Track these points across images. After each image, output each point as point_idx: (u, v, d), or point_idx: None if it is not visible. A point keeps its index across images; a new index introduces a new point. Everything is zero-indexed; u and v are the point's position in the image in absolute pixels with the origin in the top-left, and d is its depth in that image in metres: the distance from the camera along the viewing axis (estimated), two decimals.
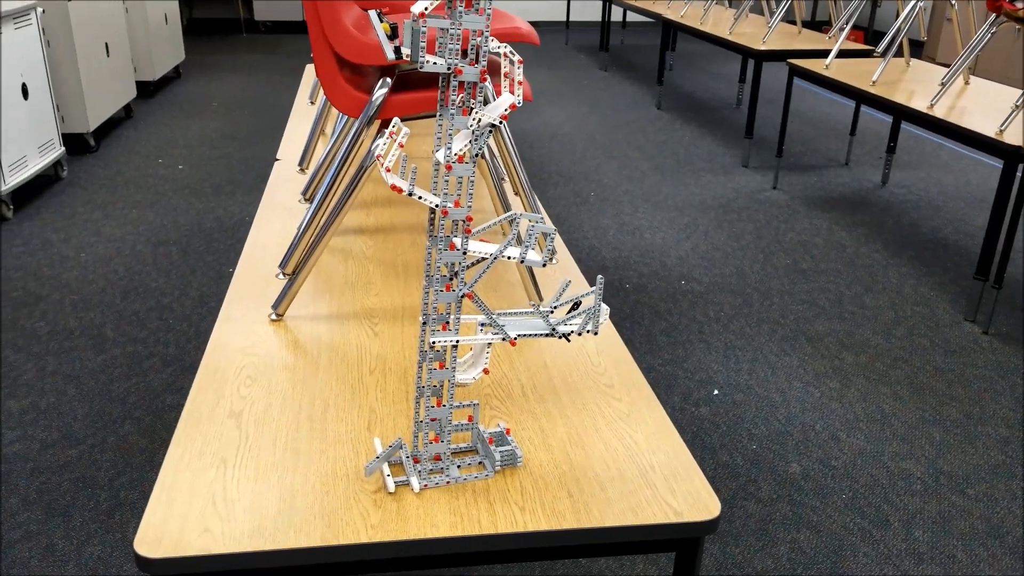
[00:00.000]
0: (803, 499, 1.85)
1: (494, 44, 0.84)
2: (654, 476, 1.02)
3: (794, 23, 4.56)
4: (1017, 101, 2.59)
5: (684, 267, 2.98)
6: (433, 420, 0.96)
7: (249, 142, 4.28)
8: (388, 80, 1.23)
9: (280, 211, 1.80)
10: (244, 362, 1.23)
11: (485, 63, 0.82)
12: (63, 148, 3.60)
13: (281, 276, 1.47)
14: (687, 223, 3.38)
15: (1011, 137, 2.53)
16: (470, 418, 1.02)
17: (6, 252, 2.93)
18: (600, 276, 0.96)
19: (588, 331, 0.96)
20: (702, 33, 4.44)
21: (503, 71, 0.86)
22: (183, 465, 1.01)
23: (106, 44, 4.09)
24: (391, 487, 0.97)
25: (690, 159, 4.22)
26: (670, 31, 5.11)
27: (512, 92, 0.86)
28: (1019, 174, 2.49)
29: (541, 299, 1.43)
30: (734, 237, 3.25)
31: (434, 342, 0.92)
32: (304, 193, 1.82)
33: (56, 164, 3.61)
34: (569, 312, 0.98)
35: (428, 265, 0.92)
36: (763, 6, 4.66)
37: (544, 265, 0.92)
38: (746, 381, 2.29)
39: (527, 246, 0.91)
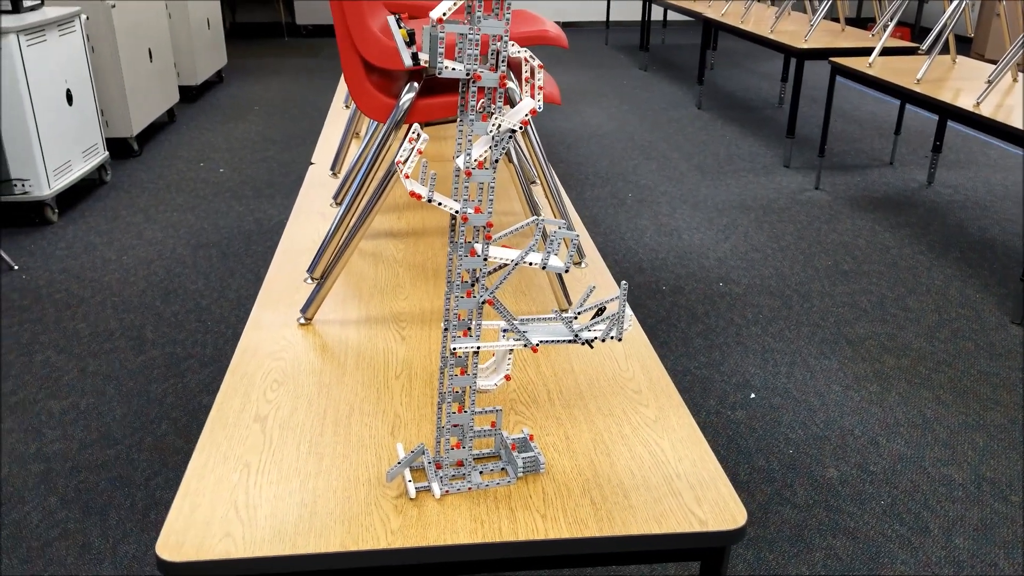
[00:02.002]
0: (840, 505, 1.81)
1: (515, 49, 0.83)
2: (679, 484, 1.00)
3: (837, 20, 4.47)
4: None
5: (723, 269, 2.94)
6: (455, 426, 0.96)
7: (289, 145, 4.33)
8: (415, 84, 1.23)
9: (312, 215, 1.81)
10: (271, 366, 1.24)
11: (505, 68, 0.81)
12: (107, 152, 3.68)
13: (309, 280, 1.48)
14: (726, 224, 3.33)
15: None
16: (493, 424, 1.01)
17: (51, 255, 3.01)
18: (624, 282, 0.94)
19: (612, 337, 0.95)
20: (743, 32, 4.38)
21: (523, 76, 0.85)
22: (207, 470, 1.02)
23: (149, 49, 4.17)
24: (412, 493, 0.97)
25: (730, 159, 4.17)
26: (711, 30, 5.05)
27: (533, 97, 0.85)
28: None
29: (569, 303, 1.41)
30: (774, 238, 3.19)
31: (455, 348, 0.91)
32: (335, 197, 1.84)
33: (100, 168, 3.70)
34: (593, 318, 0.97)
35: (449, 271, 0.92)
36: (805, 4, 4.58)
37: (567, 271, 0.91)
38: (784, 384, 2.25)
39: (549, 251, 0.90)
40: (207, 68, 5.21)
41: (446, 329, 0.95)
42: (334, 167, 2.04)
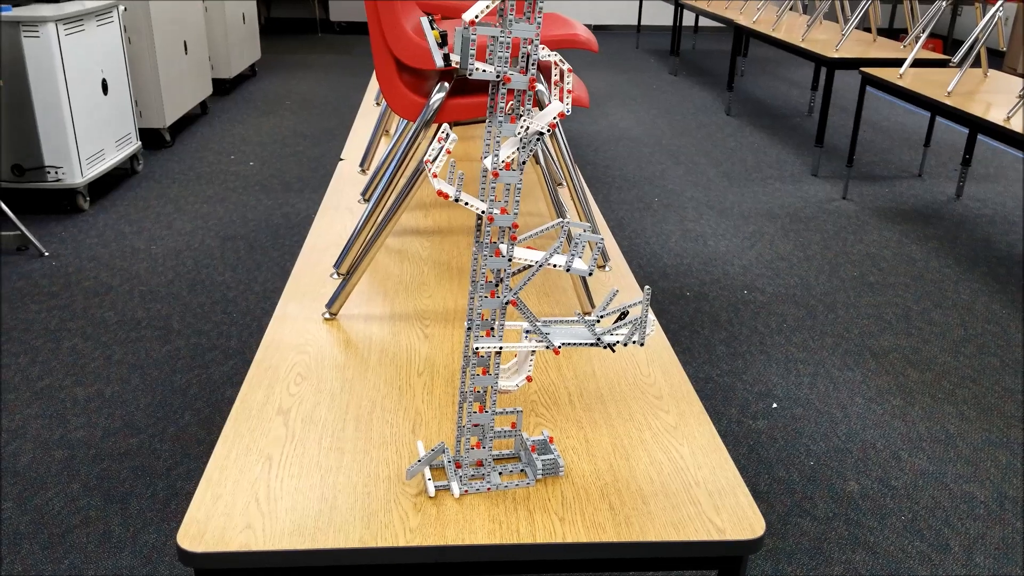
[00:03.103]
0: (860, 519, 1.79)
1: (544, 52, 0.83)
2: (698, 492, 1.00)
3: (869, 30, 4.43)
4: None
5: (747, 276, 2.92)
6: (475, 426, 0.96)
7: (320, 140, 4.37)
8: (446, 84, 1.24)
9: (341, 211, 1.83)
10: (296, 360, 1.25)
11: (535, 71, 0.81)
12: (139, 143, 3.73)
13: (336, 276, 1.49)
14: (752, 231, 3.31)
15: None
16: (513, 425, 1.02)
17: (81, 243, 3.05)
18: (647, 287, 0.94)
19: (634, 342, 0.95)
20: (774, 39, 4.35)
21: (553, 79, 0.86)
22: (229, 461, 1.03)
23: (184, 42, 4.22)
24: (432, 491, 0.97)
25: (758, 166, 4.14)
26: (742, 36, 5.02)
27: (561, 100, 0.85)
28: None
29: (593, 306, 1.41)
30: (800, 247, 3.17)
31: (477, 348, 0.92)
32: (363, 194, 1.85)
33: (132, 158, 3.75)
34: (616, 322, 0.97)
35: (473, 271, 0.92)
36: (837, 13, 4.54)
37: (590, 274, 0.91)
38: (806, 395, 2.23)
39: (574, 254, 0.91)
40: (241, 62, 5.26)
41: (469, 328, 0.95)
42: (363, 164, 2.05)
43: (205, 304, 2.62)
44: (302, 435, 1.08)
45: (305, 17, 7.90)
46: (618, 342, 0.94)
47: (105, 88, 3.40)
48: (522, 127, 0.83)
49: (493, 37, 0.79)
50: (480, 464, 0.99)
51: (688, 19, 8.46)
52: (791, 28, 4.59)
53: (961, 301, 2.77)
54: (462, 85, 1.29)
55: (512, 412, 1.00)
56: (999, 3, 3.15)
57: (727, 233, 3.29)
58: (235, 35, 5.11)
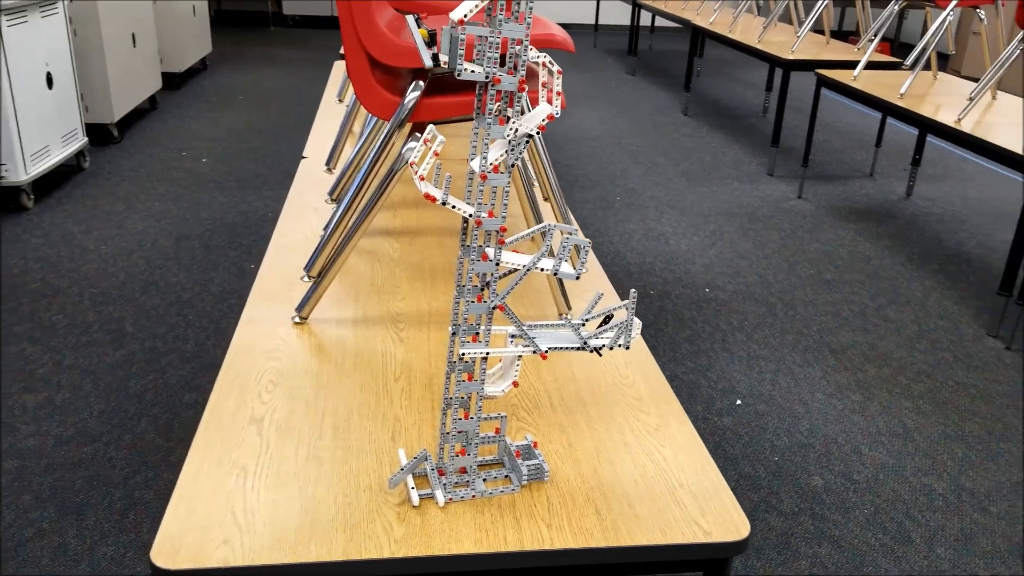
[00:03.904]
0: (825, 513, 1.82)
1: (533, 53, 0.82)
2: (683, 494, 1.00)
3: (822, 33, 4.51)
4: None
5: (709, 275, 2.95)
6: (460, 432, 0.95)
7: (275, 136, 4.28)
8: (421, 83, 1.21)
9: (306, 211, 1.78)
10: (267, 366, 1.22)
11: (524, 72, 0.80)
12: (86, 138, 3.61)
13: (306, 279, 1.45)
14: (712, 230, 3.34)
15: None
16: (497, 430, 1.00)
17: (26, 243, 2.94)
18: (633, 290, 0.94)
19: (620, 345, 0.94)
20: (731, 41, 4.40)
21: (541, 81, 0.84)
22: (202, 473, 1.00)
23: (133, 34, 4.10)
24: (416, 500, 0.95)
25: (716, 166, 4.19)
26: (699, 37, 5.07)
27: (550, 103, 0.84)
28: None
29: (569, 308, 1.41)
30: (759, 246, 3.21)
31: (463, 353, 0.90)
32: (331, 194, 1.81)
33: (79, 154, 3.63)
34: (601, 325, 0.96)
35: (459, 275, 0.91)
36: (792, 15, 4.62)
37: (578, 278, 0.90)
38: (769, 392, 2.26)
39: (561, 258, 0.89)
40: (191, 55, 5.14)
41: (454, 333, 0.93)
42: (329, 163, 2.01)
43: (160, 306, 2.55)
44: (277, 444, 1.05)
45: (257, 10, 7.75)
46: (604, 345, 0.94)
47: (50, 82, 3.28)
48: (511, 129, 0.81)
49: (482, 37, 0.77)
50: (463, 471, 0.97)
51: (645, 19, 8.53)
52: (747, 30, 4.66)
53: (914, 298, 2.84)
54: (437, 84, 1.26)
55: (496, 417, 0.99)
56: (949, 7, 3.23)
57: (688, 232, 3.32)
58: (185, 28, 4.98)
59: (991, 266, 3.14)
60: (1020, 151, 2.51)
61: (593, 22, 8.29)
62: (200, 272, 2.77)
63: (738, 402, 2.21)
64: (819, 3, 4.02)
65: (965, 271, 3.07)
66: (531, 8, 0.78)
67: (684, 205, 3.61)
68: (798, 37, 4.12)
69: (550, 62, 0.81)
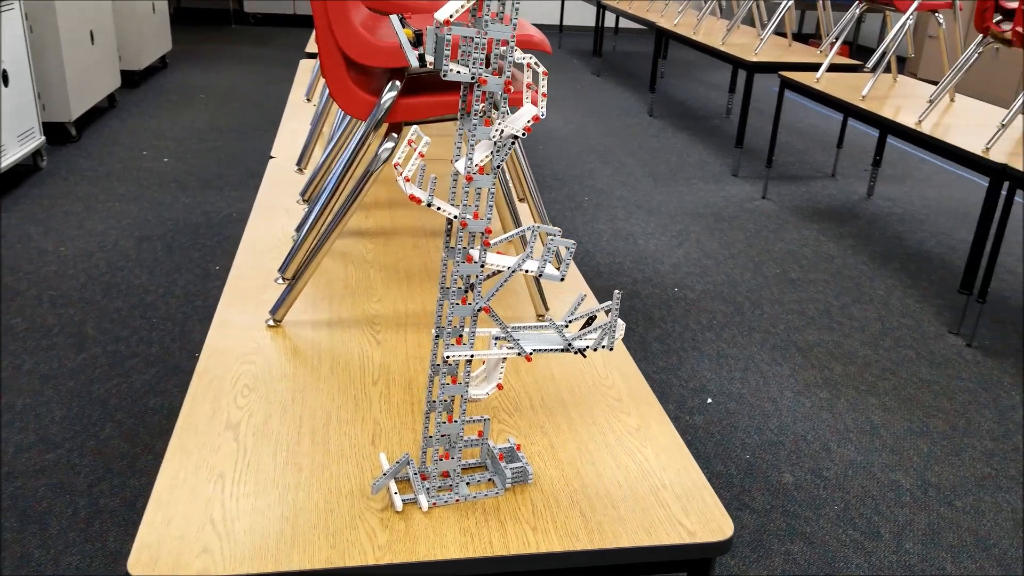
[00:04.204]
0: (796, 510, 1.84)
1: (518, 54, 0.81)
2: (666, 495, 1.00)
3: (784, 35, 4.58)
4: (1003, 120, 2.61)
5: (677, 274, 2.97)
6: (443, 436, 0.94)
7: (238, 136, 4.22)
8: (397, 83, 1.20)
9: (276, 211, 1.76)
10: (241, 370, 1.20)
11: (510, 74, 0.79)
12: (43, 137, 3.52)
13: (280, 281, 1.43)
14: (680, 230, 3.37)
15: (997, 155, 2.55)
16: (480, 433, 1.00)
17: None
18: (617, 292, 0.94)
19: (604, 347, 0.94)
20: (695, 43, 4.44)
21: (525, 82, 0.84)
22: (179, 481, 0.98)
23: (91, 31, 4.01)
24: (399, 506, 0.94)
25: (682, 167, 4.22)
26: (663, 39, 5.11)
27: (535, 104, 0.83)
28: (1003, 192, 2.51)
29: (547, 308, 1.40)
30: (725, 245, 3.24)
31: (448, 356, 0.89)
32: (303, 194, 1.79)
33: (36, 154, 3.54)
34: (584, 327, 0.96)
35: (443, 277, 0.90)
36: (755, 18, 4.67)
37: (562, 279, 0.90)
38: (739, 390, 2.28)
39: (545, 260, 0.89)
40: (151, 53, 5.04)
41: (437, 336, 0.92)
42: (300, 163, 1.98)
43: (122, 309, 2.49)
44: (255, 450, 1.03)
45: (218, 8, 7.63)
46: (588, 347, 0.93)
47: (6, 79, 3.19)
48: (497, 130, 0.80)
49: (468, 38, 0.76)
50: (447, 475, 0.96)
51: (609, 20, 8.57)
52: (710, 32, 4.70)
53: (877, 296, 2.89)
54: (413, 84, 1.25)
55: (479, 420, 0.98)
56: (909, 11, 3.30)
57: (656, 232, 3.34)
58: (145, 25, 4.88)
59: (950, 265, 3.21)
60: (979, 152, 2.57)
61: (558, 23, 8.32)
62: (163, 274, 2.72)
63: (709, 400, 2.23)
64: (781, 6, 4.08)
65: (926, 270, 3.14)
66: (517, 10, 0.77)
67: (651, 205, 3.63)
68: (761, 40, 4.17)
69: (535, 63, 0.80)
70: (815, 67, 3.81)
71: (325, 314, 1.36)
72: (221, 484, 0.97)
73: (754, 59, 3.95)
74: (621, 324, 0.95)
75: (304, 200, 1.77)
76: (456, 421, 0.93)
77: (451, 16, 0.75)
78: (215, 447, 1.04)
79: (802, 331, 2.62)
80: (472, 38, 0.77)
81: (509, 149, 0.81)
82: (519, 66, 0.85)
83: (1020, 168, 2.42)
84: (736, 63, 4.05)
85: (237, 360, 1.22)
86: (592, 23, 8.37)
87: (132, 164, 3.73)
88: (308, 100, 2.68)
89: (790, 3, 4.07)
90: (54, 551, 1.60)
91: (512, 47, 0.78)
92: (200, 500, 0.94)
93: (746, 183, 4.01)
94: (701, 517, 0.97)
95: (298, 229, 1.64)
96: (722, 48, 4.20)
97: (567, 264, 0.90)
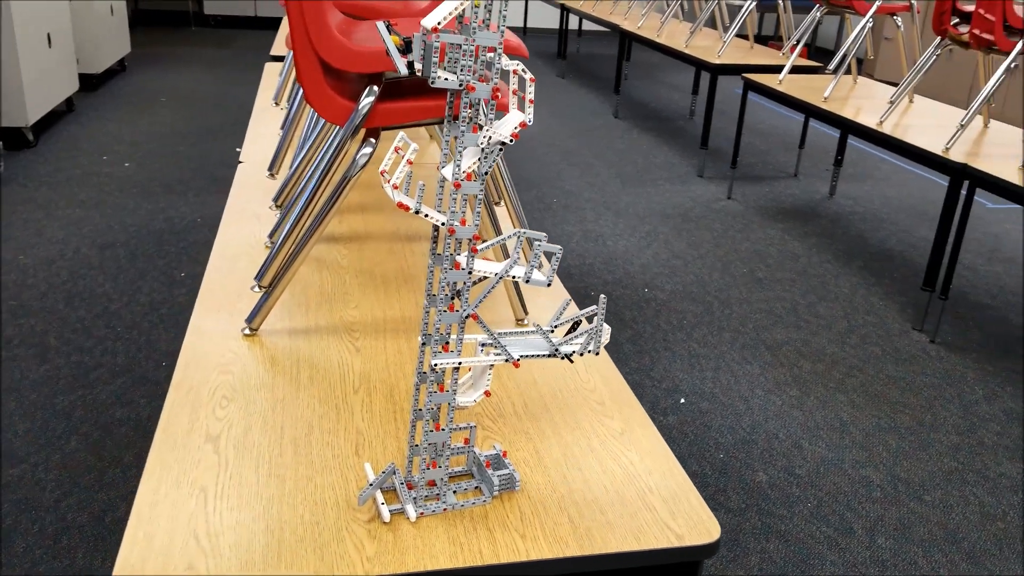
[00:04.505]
0: (771, 508, 1.86)
1: (504, 60, 0.81)
2: (652, 498, 1.00)
3: (746, 38, 4.64)
4: (962, 120, 2.67)
5: (647, 275, 2.99)
6: (430, 444, 0.93)
7: (201, 139, 4.15)
8: (375, 88, 1.19)
9: (247, 218, 1.73)
10: (219, 381, 1.17)
11: (497, 80, 0.79)
12: (0, 142, 3.43)
13: (257, 289, 1.41)
14: (648, 231, 3.39)
15: (956, 155, 2.61)
16: (466, 441, 0.99)
17: None
18: (603, 296, 0.94)
19: (590, 351, 0.94)
20: (660, 45, 4.47)
21: (511, 88, 0.83)
22: (160, 496, 0.95)
23: (48, 35, 3.92)
24: (386, 516, 0.93)
25: (648, 168, 4.25)
26: (627, 41, 5.14)
27: (522, 110, 0.83)
28: (963, 191, 2.57)
29: (526, 312, 1.40)
30: (693, 246, 3.28)
31: (436, 364, 0.88)
32: (276, 200, 1.76)
33: None
34: (569, 332, 0.96)
35: (430, 284, 0.89)
36: (716, 20, 4.73)
37: (548, 284, 0.90)
38: (711, 389, 2.30)
39: (532, 265, 0.89)
40: (109, 56, 4.94)
41: (424, 343, 0.92)
42: (272, 168, 1.96)
43: (85, 318, 2.44)
44: (236, 463, 1.01)
45: (177, 10, 7.50)
46: (575, 352, 0.93)
47: None
48: (484, 137, 0.80)
49: (456, 45, 0.76)
50: (433, 484, 0.95)
51: (573, 22, 8.61)
52: (672, 34, 4.74)
53: (842, 294, 2.94)
54: (390, 88, 1.24)
55: (465, 428, 0.97)
56: (869, 14, 3.36)
57: (624, 233, 3.36)
58: (103, 27, 4.78)
59: (912, 262, 3.27)
60: (939, 152, 2.62)
61: (522, 25, 8.33)
62: (127, 281, 2.66)
63: (682, 400, 2.25)
64: (743, 9, 4.13)
65: (888, 267, 3.20)
66: (504, 16, 0.77)
67: (620, 206, 3.65)
68: (724, 42, 4.22)
69: (523, 70, 0.80)
70: (777, 69, 3.86)
71: (302, 322, 1.35)
72: (203, 498, 0.95)
73: (718, 61, 3.99)
74: (607, 329, 0.95)
75: (277, 206, 1.75)
76: (444, 429, 0.92)
77: (439, 23, 0.74)
78: (195, 460, 1.02)
79: (770, 330, 2.66)
80: (460, 45, 0.76)
81: (496, 156, 0.81)
82: (511, 74, 0.84)
83: (979, 167, 2.48)
84: (700, 65, 4.09)
85: (214, 370, 1.20)
86: (556, 25, 8.40)
87: (92, 169, 3.65)
88: (276, 104, 2.64)
89: (752, 6, 4.12)
90: (20, 570, 1.56)
91: (499, 54, 0.78)
92: (183, 515, 0.92)
93: (711, 184, 4.05)
94: (688, 520, 0.97)
95: (271, 235, 1.62)
96: (686, 51, 4.24)
97: (554, 269, 0.90)
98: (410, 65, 0.73)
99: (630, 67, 6.96)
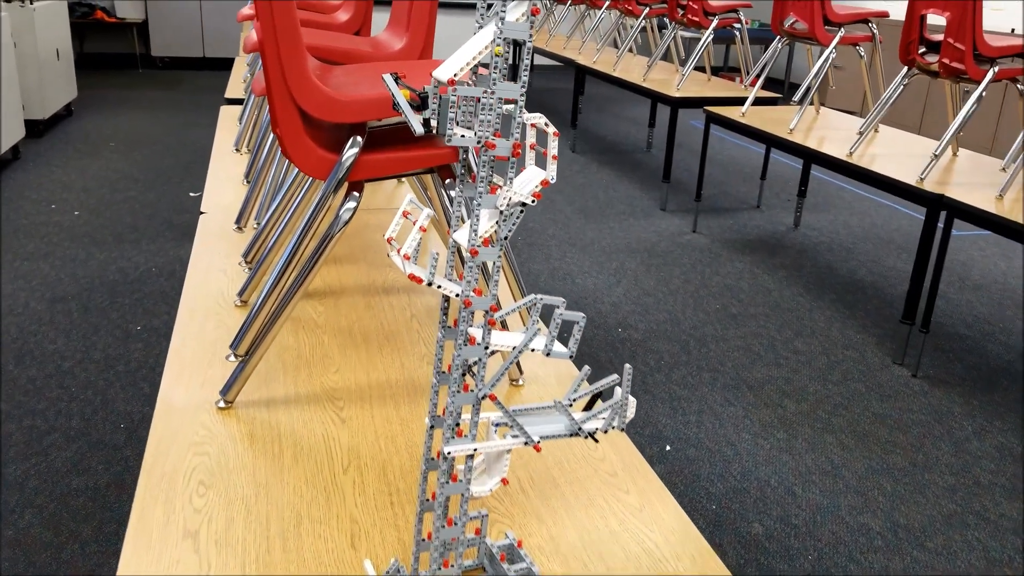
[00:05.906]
0: (770, 562, 1.79)
1: (526, 115, 0.73)
2: None
3: (703, 70, 4.66)
4: (936, 151, 2.68)
5: (619, 314, 2.92)
6: (442, 543, 0.83)
7: (152, 185, 4.00)
8: (359, 139, 1.10)
9: (213, 273, 1.62)
10: (194, 463, 1.06)
11: (519, 134, 0.71)
12: None
13: (232, 358, 1.29)
14: (616, 267, 3.34)
15: (930, 184, 2.61)
16: (477, 531, 0.89)
17: None
18: (628, 366, 0.85)
19: (614, 427, 0.86)
20: (616, 79, 4.47)
21: (529, 142, 0.76)
22: None
23: None
24: None
25: (610, 202, 4.22)
26: (582, 75, 5.14)
27: (542, 167, 0.75)
28: (940, 223, 2.56)
29: (521, 372, 1.31)
30: (663, 282, 3.23)
31: (450, 451, 0.79)
32: (245, 256, 1.65)
33: None
34: (588, 405, 0.88)
35: (439, 360, 0.80)
36: (672, 54, 4.75)
37: (571, 357, 0.81)
38: (695, 434, 2.23)
39: (552, 336, 0.80)
40: (56, 101, 4.76)
41: (431, 427, 0.82)
42: (239, 221, 1.84)
43: (37, 378, 2.28)
44: (220, 563, 0.90)
45: (124, 52, 7.32)
46: (599, 429, 0.85)
47: None
48: (504, 198, 0.72)
49: (476, 99, 0.68)
50: None
51: None
52: (627, 68, 4.75)
53: (818, 328, 2.91)
54: (375, 139, 1.16)
55: (476, 517, 0.88)
56: (832, 45, 3.39)
57: (592, 270, 3.30)
58: (49, 72, 4.61)
59: (884, 293, 3.27)
60: (914, 183, 2.62)
61: None
62: (80, 337, 2.51)
63: (668, 448, 2.17)
64: (701, 42, 4.15)
65: (861, 299, 3.19)
66: (528, 67, 0.69)
67: (584, 242, 3.60)
68: (683, 75, 4.23)
69: (545, 123, 0.72)
70: (736, 101, 3.87)
71: (280, 391, 1.24)
72: None
73: (678, 95, 3.99)
74: (632, 401, 0.87)
75: (247, 263, 1.64)
76: (457, 524, 0.82)
77: (455, 75, 0.66)
78: (173, 561, 0.90)
79: (750, 368, 2.60)
80: (480, 98, 0.68)
81: (517, 218, 0.73)
82: (529, 127, 0.77)
83: (954, 197, 2.48)
84: (660, 99, 4.09)
85: (188, 450, 1.08)
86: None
87: (40, 219, 3.47)
88: (238, 151, 2.53)
89: (710, 39, 4.15)
90: None
91: (521, 107, 0.70)
92: None
93: (675, 217, 4.03)
94: None
95: (241, 294, 1.51)
96: (644, 84, 4.23)
97: (576, 340, 0.81)
98: (426, 123, 0.65)
99: (584, 101, 6.98)
